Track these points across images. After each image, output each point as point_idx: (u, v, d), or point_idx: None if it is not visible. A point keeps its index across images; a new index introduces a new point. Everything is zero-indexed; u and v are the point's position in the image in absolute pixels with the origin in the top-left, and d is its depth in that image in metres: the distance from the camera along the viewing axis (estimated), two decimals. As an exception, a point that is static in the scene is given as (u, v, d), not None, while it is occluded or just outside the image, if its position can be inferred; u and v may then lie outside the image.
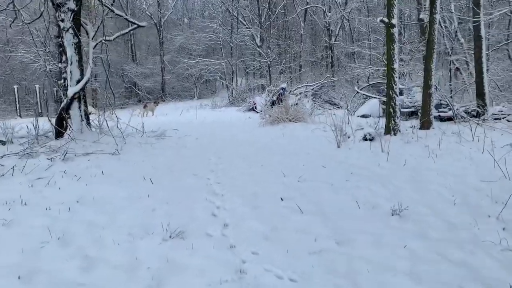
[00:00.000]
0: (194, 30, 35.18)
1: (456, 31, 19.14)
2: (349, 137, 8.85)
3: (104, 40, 8.64)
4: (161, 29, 36.69)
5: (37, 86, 20.98)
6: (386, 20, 8.50)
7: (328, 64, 34.65)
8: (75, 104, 8.14)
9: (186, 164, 6.88)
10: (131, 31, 9.09)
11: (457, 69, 19.63)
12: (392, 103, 8.70)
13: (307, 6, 35.04)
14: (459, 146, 7.90)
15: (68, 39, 8.02)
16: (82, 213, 4.50)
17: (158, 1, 36.61)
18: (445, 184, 5.65)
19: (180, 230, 3.96)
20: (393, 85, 8.65)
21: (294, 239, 3.88)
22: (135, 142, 8.62)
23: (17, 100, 20.77)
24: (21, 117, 18.70)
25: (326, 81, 18.54)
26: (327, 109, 15.50)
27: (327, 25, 32.78)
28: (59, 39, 8.12)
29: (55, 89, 22.36)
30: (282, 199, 5.01)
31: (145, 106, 19.48)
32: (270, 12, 28.87)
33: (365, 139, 8.49)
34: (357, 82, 30.60)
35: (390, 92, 8.67)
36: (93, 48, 8.54)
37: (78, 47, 8.16)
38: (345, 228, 4.15)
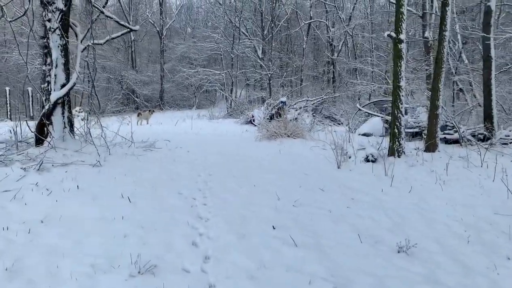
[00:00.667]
0: (196, 39, 34.86)
1: (460, 52, 18.78)
2: (350, 157, 8.31)
3: (94, 43, 8.14)
4: (163, 37, 36.38)
5: (29, 88, 20.50)
6: (393, 35, 8.04)
7: (329, 80, 34.39)
8: (58, 110, 7.59)
9: (172, 180, 6.32)
10: (124, 35, 8.58)
11: (461, 90, 19.24)
12: (397, 123, 8.18)
13: (310, 21, 34.83)
14: (467, 172, 7.37)
15: (54, 41, 7.51)
16: (44, 236, 3.92)
17: (161, 9, 36.36)
18: (455, 215, 5.10)
19: (152, 264, 3.38)
20: (399, 104, 8.14)
21: (284, 280, 3.31)
22: (120, 153, 8.05)
23: (8, 102, 20.24)
24: (11, 120, 18.16)
25: (327, 96, 18.07)
26: (327, 125, 14.99)
27: (330, 40, 32.51)
28: (45, 40, 7.62)
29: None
30: (274, 228, 4.45)
31: (139, 114, 18.98)
32: (273, 25, 28.57)
33: (367, 160, 7.94)
34: (359, 98, 30.20)
35: (396, 112, 8.16)
36: (82, 52, 8.03)
37: (65, 50, 7.65)
38: (344, 267, 3.59)
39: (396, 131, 8.17)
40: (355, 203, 5.49)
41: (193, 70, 30.37)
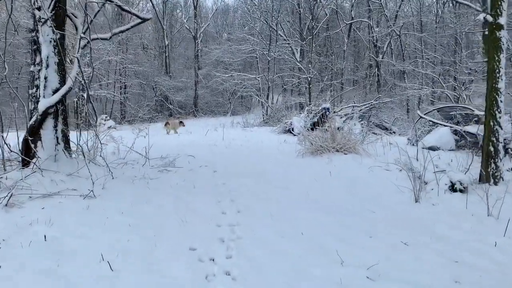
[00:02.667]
0: (232, 42, 33.36)
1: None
2: (426, 183, 6.20)
3: (93, 38, 6.49)
4: (197, 41, 35.17)
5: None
6: (490, 18, 5.91)
7: (372, 83, 32.00)
8: (49, 122, 5.98)
9: (185, 224, 4.48)
10: (134, 27, 6.92)
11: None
12: (493, 138, 6.01)
13: (352, 21, 32.60)
14: None
15: (45, 34, 5.92)
16: None
17: (195, 12, 35.20)
18: None
19: None
20: (496, 112, 5.98)
21: None
22: (128, 176, 6.35)
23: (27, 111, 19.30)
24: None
25: (377, 102, 15.85)
26: (380, 135, 12.80)
27: (374, 41, 30.07)
28: (33, 34, 6.06)
29: (75, 99, 20.90)
30: (345, 338, 2.51)
31: (166, 124, 17.45)
32: (313, 24, 26.45)
33: (453, 189, 5.81)
34: (407, 104, 27.62)
35: (492, 123, 6.00)
36: (83, 48, 6.41)
37: (59, 46, 6.05)
38: None
39: (492, 149, 6.00)
40: (464, 273, 3.45)
41: (227, 75, 28.76)
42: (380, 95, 18.36)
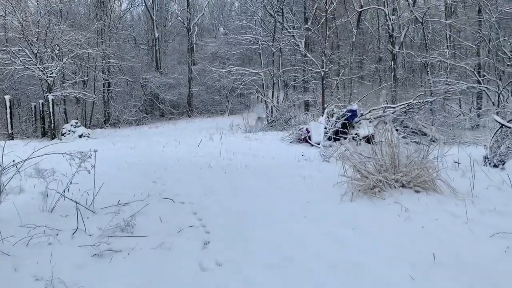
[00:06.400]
0: (229, 31, 29.87)
1: None
2: None
3: None
4: (190, 33, 31.69)
5: (7, 97, 15.98)
6: None
7: (381, 79, 28.89)
8: None
9: None
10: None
11: None
12: None
13: (362, 9, 29.12)
14: None
15: None
16: None
17: (188, 1, 31.68)
18: None
19: None
20: None
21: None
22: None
23: (9, 115, 15.74)
24: (13, 139, 13.76)
25: (417, 101, 12.47)
26: (425, 145, 9.43)
27: (390, 31, 26.58)
28: None
29: (41, 101, 17.45)
30: None
31: None
32: (326, 7, 22.89)
33: None
34: (431, 103, 24.18)
35: None
36: None
37: None
38: None
39: None
40: None
41: (225, 70, 25.27)
42: (422, 93, 14.94)
